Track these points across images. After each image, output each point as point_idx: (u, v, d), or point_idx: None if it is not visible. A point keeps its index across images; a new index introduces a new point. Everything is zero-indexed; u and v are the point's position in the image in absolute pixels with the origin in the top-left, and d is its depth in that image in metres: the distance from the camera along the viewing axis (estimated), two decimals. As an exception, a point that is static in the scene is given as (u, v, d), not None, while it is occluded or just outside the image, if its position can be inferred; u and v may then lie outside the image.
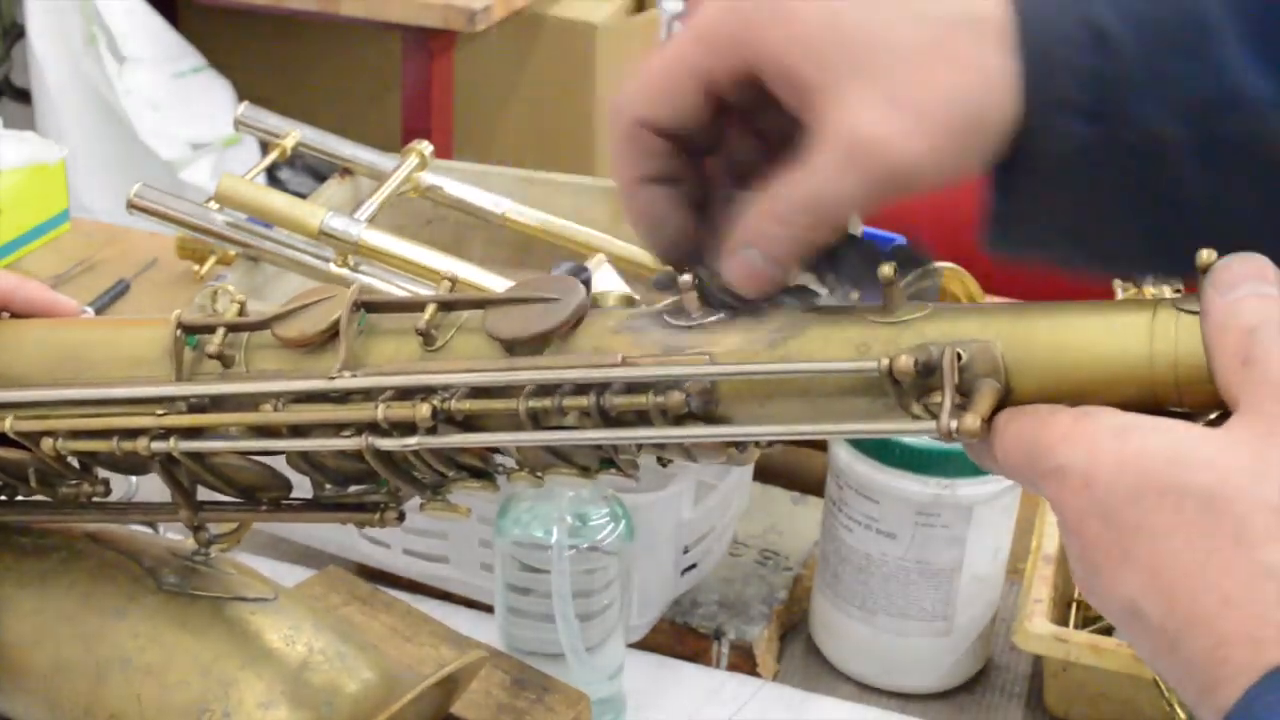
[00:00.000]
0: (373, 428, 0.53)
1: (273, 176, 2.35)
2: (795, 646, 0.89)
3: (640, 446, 0.51)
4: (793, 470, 1.01)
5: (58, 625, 0.63)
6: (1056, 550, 0.85)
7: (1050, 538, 0.86)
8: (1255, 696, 0.39)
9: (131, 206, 0.89)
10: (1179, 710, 0.71)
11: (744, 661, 0.86)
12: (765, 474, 0.99)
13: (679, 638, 0.87)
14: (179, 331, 0.58)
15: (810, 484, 0.98)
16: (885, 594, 0.83)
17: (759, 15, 0.47)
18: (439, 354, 0.54)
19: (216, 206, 0.89)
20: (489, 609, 0.83)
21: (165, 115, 2.43)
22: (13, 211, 1.30)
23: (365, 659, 0.63)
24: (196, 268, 1.29)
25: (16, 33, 2.66)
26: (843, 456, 0.82)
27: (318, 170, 2.30)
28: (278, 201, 0.88)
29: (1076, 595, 0.89)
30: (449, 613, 0.87)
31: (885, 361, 0.45)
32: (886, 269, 0.47)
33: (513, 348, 0.52)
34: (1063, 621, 0.84)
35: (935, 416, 0.45)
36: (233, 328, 0.58)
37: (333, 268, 0.87)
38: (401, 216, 0.96)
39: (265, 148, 0.97)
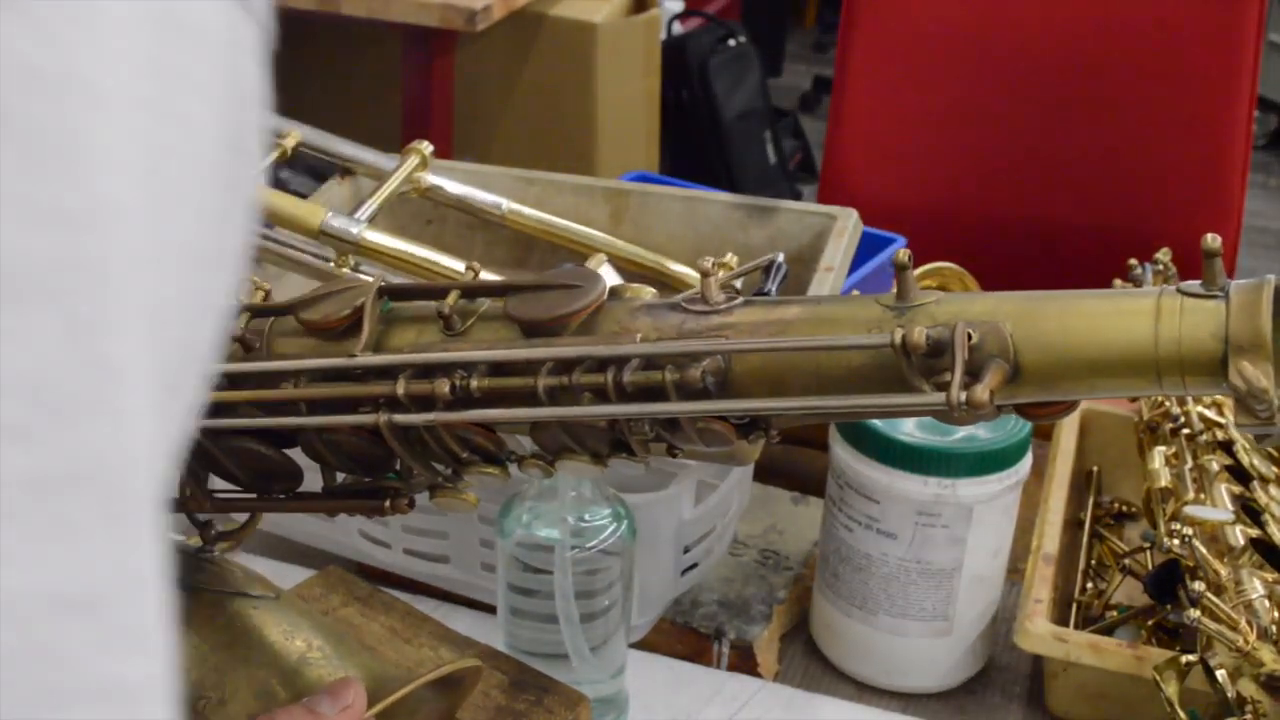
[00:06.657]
0: (392, 403, 0.54)
1: (273, 176, 2.35)
2: (795, 646, 0.89)
3: (654, 425, 0.52)
4: (793, 470, 1.01)
5: None
6: (1057, 550, 0.85)
7: (1050, 538, 0.86)
8: None
9: (132, 206, 0.89)
10: (1179, 710, 0.71)
11: (744, 661, 0.86)
12: (765, 474, 0.99)
13: (679, 638, 0.87)
14: None
15: (810, 484, 0.98)
16: (885, 594, 0.82)
17: None
18: (459, 339, 0.55)
19: (217, 207, 0.89)
20: (490, 609, 0.83)
21: (165, 115, 2.42)
22: (13, 212, 1.30)
23: (360, 660, 0.63)
24: (196, 268, 1.29)
25: (16, 33, 2.66)
26: (843, 456, 0.82)
27: (318, 170, 2.29)
28: (278, 201, 0.88)
29: (1076, 595, 0.88)
30: (449, 613, 0.87)
31: (899, 334, 0.47)
32: (901, 255, 0.48)
33: (532, 331, 0.53)
34: (1063, 621, 0.84)
35: (945, 391, 0.46)
36: (256, 312, 0.58)
37: (333, 267, 0.87)
38: (401, 216, 0.96)
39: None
